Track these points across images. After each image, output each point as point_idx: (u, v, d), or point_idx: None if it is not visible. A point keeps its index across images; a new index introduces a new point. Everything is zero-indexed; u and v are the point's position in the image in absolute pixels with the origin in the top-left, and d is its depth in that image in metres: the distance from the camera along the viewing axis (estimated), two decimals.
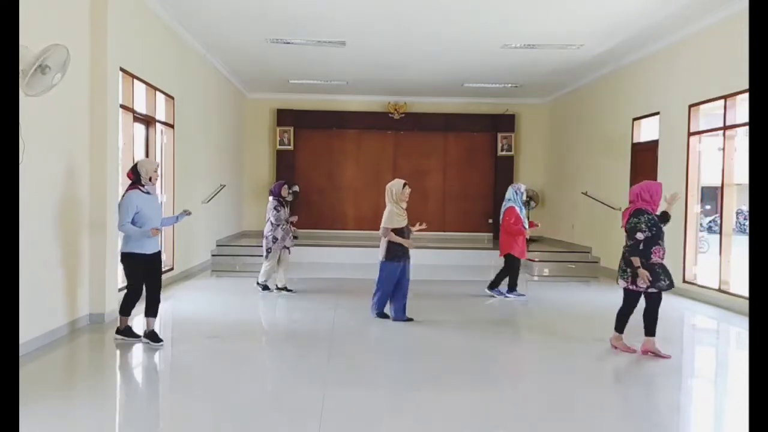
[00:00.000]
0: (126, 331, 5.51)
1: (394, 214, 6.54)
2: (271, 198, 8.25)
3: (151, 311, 5.48)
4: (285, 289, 8.24)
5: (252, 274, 10.15)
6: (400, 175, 13.56)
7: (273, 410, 3.99)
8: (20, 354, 4.66)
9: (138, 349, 5.80)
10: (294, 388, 4.49)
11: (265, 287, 8.24)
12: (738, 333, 6.57)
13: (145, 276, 5.45)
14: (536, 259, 11.05)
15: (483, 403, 4.21)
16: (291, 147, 13.99)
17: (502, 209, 8.15)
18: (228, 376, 4.74)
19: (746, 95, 7.14)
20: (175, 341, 5.73)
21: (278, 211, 8.06)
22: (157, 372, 5.10)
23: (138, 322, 5.80)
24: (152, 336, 5.40)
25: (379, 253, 6.71)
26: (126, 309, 5.45)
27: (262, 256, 8.25)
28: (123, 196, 5.48)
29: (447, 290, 8.68)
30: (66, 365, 4.97)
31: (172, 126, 8.67)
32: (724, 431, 4.10)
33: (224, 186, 11.15)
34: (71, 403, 4.02)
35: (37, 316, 5.15)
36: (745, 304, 6.93)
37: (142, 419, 4.03)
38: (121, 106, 6.84)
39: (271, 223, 8.08)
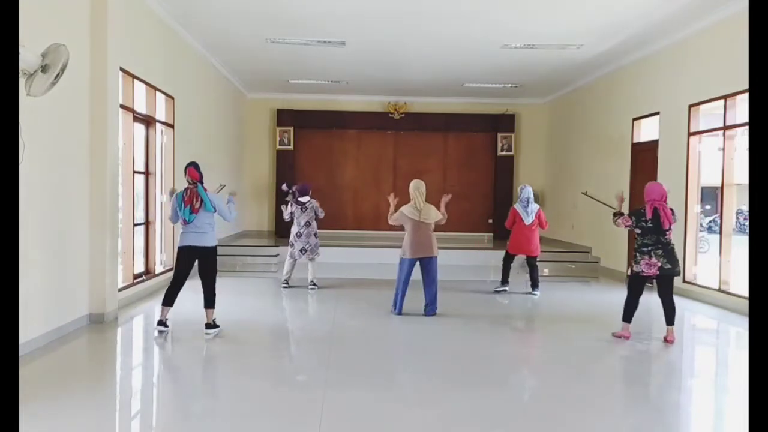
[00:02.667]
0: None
1: None
2: (308, 198, 8.52)
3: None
4: (288, 282, 8.61)
5: (252, 274, 10.20)
6: (400, 174, 13.66)
7: (273, 410, 3.99)
8: (20, 354, 4.66)
9: (138, 349, 5.81)
10: (294, 388, 4.49)
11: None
12: (738, 333, 6.57)
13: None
14: (536, 259, 11.03)
15: (483, 403, 4.21)
16: (291, 147, 13.99)
17: (535, 209, 8.28)
18: (228, 376, 4.74)
19: (746, 95, 7.14)
20: (176, 341, 5.73)
21: None
22: (157, 372, 5.09)
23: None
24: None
25: (434, 250, 7.02)
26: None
27: (314, 256, 8.58)
28: (211, 193, 5.88)
29: (446, 290, 8.66)
30: (66, 365, 4.97)
31: (172, 126, 8.67)
32: (724, 431, 4.10)
33: (224, 186, 11.09)
34: (71, 403, 4.01)
35: (37, 316, 5.15)
36: (745, 304, 6.93)
37: (141, 419, 4.03)
38: (121, 106, 6.84)
39: (316, 222, 8.56)
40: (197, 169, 5.81)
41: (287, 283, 8.53)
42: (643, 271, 5.78)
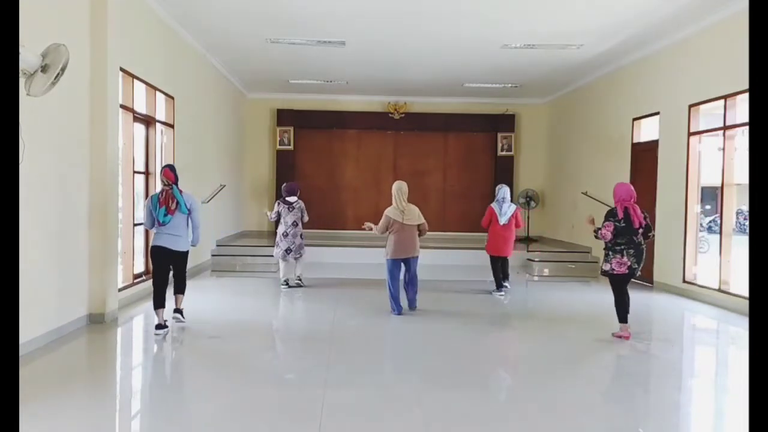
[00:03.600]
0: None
1: None
2: (296, 198, 8.54)
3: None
4: (287, 283, 8.63)
5: (252, 274, 10.19)
6: (400, 175, 13.64)
7: (273, 410, 3.99)
8: (20, 354, 4.66)
9: (138, 349, 5.81)
10: (294, 388, 4.49)
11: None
12: (738, 333, 6.57)
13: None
14: (536, 259, 11.05)
15: (482, 403, 4.21)
16: (291, 147, 13.99)
17: (512, 210, 8.22)
18: (228, 375, 4.74)
19: (746, 95, 7.14)
20: (176, 341, 5.73)
21: None
22: (158, 372, 5.10)
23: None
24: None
25: (416, 250, 6.98)
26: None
27: (298, 256, 8.59)
28: (188, 195, 5.90)
29: (446, 290, 8.68)
30: (66, 365, 4.97)
31: (172, 126, 8.67)
32: (724, 431, 4.10)
33: (224, 186, 11.14)
34: (71, 403, 4.01)
35: (37, 316, 5.15)
36: (745, 304, 6.93)
37: (141, 419, 4.03)
38: (121, 106, 6.84)
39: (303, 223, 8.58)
40: (173, 171, 5.83)
41: (287, 284, 8.52)
42: (613, 270, 5.85)
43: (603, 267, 5.98)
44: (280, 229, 8.46)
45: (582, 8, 7.67)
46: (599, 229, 5.91)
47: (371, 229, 7.13)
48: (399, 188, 6.97)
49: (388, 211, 6.91)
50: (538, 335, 6.45)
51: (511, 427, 3.81)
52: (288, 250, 8.41)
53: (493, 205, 8.32)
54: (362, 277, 9.94)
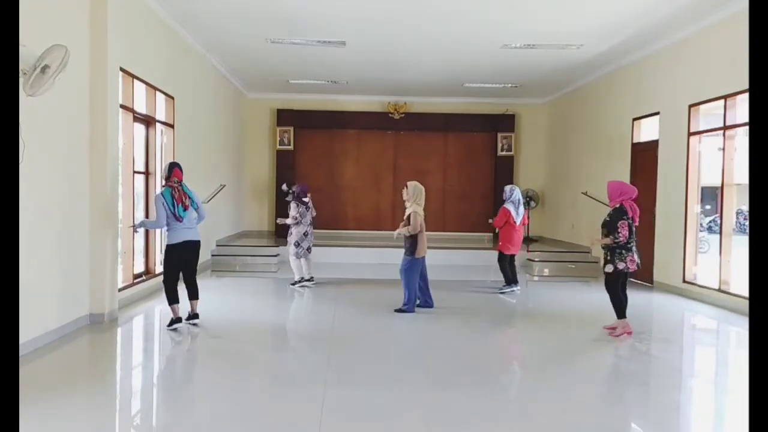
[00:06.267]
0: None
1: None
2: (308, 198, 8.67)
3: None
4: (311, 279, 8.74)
5: (252, 274, 10.19)
6: (400, 174, 13.67)
7: (273, 410, 3.99)
8: (20, 354, 4.67)
9: (138, 349, 5.82)
10: (294, 388, 4.49)
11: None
12: (738, 333, 6.57)
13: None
14: (536, 259, 11.04)
15: (483, 403, 4.21)
16: (291, 147, 13.99)
17: (524, 210, 8.40)
18: (228, 375, 4.74)
19: (746, 95, 7.14)
20: (176, 341, 5.73)
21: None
22: (158, 372, 5.09)
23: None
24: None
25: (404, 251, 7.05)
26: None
27: (292, 255, 8.59)
28: (193, 191, 6.20)
29: (446, 290, 8.67)
30: (66, 365, 4.97)
31: (172, 126, 8.67)
32: (724, 431, 4.10)
33: (224, 186, 11.14)
34: (71, 403, 4.01)
35: (37, 316, 5.15)
36: (745, 304, 6.93)
37: (141, 419, 4.03)
38: (121, 106, 6.84)
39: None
40: (181, 170, 6.10)
41: (311, 279, 8.64)
42: (628, 268, 5.91)
43: (617, 266, 5.87)
44: (300, 229, 8.45)
45: (582, 8, 7.66)
46: (608, 236, 5.88)
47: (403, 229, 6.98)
48: (421, 190, 7.07)
49: (420, 211, 6.95)
50: (538, 335, 6.45)
51: (512, 427, 3.81)
52: (309, 249, 8.58)
53: (508, 206, 8.33)
54: (362, 277, 9.95)
